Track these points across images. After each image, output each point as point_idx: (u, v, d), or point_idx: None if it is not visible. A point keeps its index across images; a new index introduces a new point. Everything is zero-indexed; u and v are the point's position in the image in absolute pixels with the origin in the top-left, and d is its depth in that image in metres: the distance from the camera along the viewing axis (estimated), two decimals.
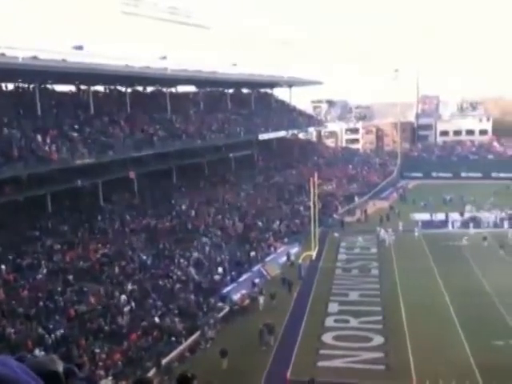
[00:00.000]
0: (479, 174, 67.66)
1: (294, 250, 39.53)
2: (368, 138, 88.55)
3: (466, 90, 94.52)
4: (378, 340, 24.33)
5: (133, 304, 25.74)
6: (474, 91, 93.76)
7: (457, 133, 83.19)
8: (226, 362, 22.26)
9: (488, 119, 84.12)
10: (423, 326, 25.43)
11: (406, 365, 21.85)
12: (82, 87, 41.45)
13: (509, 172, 66.55)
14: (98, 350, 21.60)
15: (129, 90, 45.27)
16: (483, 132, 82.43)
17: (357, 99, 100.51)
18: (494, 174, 67.06)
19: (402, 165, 72.63)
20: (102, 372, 20.28)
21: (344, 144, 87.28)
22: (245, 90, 64.14)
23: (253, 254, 36.31)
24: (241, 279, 32.69)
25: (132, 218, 35.79)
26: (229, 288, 31.09)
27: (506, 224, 44.11)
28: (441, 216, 47.23)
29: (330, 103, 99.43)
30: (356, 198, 56.03)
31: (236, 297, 30.34)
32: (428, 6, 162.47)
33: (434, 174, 70.36)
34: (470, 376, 20.59)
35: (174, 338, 24.44)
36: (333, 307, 28.81)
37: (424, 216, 48.07)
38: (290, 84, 68.94)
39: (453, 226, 44.52)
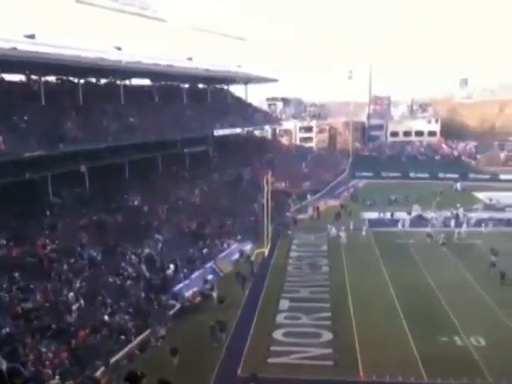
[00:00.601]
0: (427, 175, 70.02)
1: (247, 247, 39.76)
2: (321, 136, 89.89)
3: (417, 92, 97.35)
4: (327, 336, 24.84)
5: (81, 301, 25.24)
6: (424, 92, 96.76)
7: (406, 133, 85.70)
8: (177, 359, 22.21)
9: (437, 121, 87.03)
10: (370, 322, 26.12)
11: (354, 360, 22.43)
12: (33, 77, 40.17)
13: (455, 173, 69.18)
14: (44, 349, 21.10)
15: (81, 81, 44.20)
16: (432, 133, 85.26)
17: (311, 97, 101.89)
18: (440, 175, 69.47)
19: (353, 164, 74.20)
20: (49, 371, 19.82)
21: (298, 142, 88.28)
22: (201, 86, 63.81)
23: (205, 250, 36.29)
24: (193, 276, 32.63)
25: (82, 213, 35.01)
26: (181, 285, 30.98)
27: (452, 223, 45.80)
28: (388, 215, 48.66)
29: (285, 101, 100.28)
30: (308, 196, 56.83)
31: (188, 294, 30.27)
32: (383, 6, 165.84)
33: (383, 174, 72.24)
34: (414, 371, 21.33)
35: (123, 337, 24.15)
36: (284, 304, 29.18)
37: (373, 215, 49.41)
38: (246, 81, 69.05)
39: (403, 225, 45.80)
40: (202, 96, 61.11)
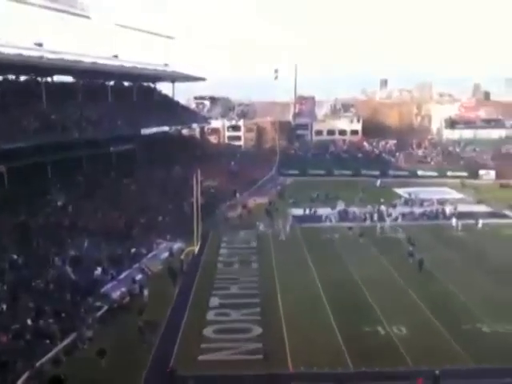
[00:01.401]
0: (350, 172, 72.63)
1: (177, 245, 39.55)
2: (249, 135, 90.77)
3: (339, 92, 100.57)
4: (257, 331, 25.27)
5: (3, 306, 24.22)
6: (347, 93, 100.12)
7: (330, 132, 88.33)
8: (105, 361, 21.83)
9: (358, 120, 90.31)
10: (298, 315, 26.86)
11: (283, 353, 22.98)
12: None
13: (376, 170, 72.22)
14: None
15: (0, 78, 42.19)
16: (354, 132, 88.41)
17: (239, 97, 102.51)
18: (363, 172, 72.22)
19: (280, 162, 75.56)
20: None
21: (226, 141, 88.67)
22: (126, 83, 62.58)
23: (134, 250, 35.74)
24: (121, 277, 32.03)
25: (2, 215, 33.45)
26: (108, 286, 30.36)
27: (375, 217, 47.86)
28: (322, 211, 49.85)
29: (213, 100, 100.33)
30: (237, 194, 57.30)
31: (115, 295, 29.71)
32: (308, 7, 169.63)
33: (309, 172, 74.14)
34: (341, 361, 22.16)
35: (48, 341, 23.39)
36: (214, 301, 29.34)
37: (299, 211, 50.68)
38: (173, 79, 68.50)
39: (330, 221, 47.17)
40: (128, 94, 59.97)
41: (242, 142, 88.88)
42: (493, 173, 70.56)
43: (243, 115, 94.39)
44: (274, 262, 36.20)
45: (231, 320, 26.62)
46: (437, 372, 20.03)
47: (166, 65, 63.07)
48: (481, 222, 45.01)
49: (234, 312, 27.50)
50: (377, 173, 71.27)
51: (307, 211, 50.65)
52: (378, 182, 66.12)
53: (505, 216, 49.24)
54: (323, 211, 49.75)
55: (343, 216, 48.82)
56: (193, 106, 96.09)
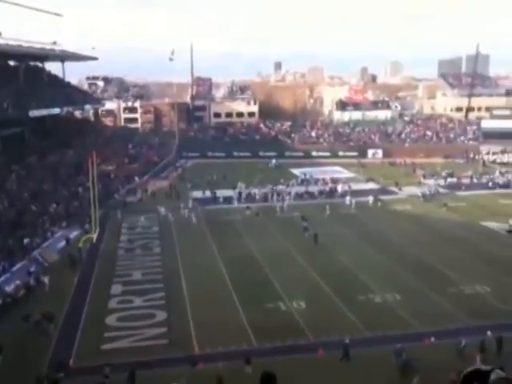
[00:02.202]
0: (248, 154, 73.80)
1: (74, 233, 38.12)
2: (146, 117, 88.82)
3: (237, 74, 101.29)
4: (162, 316, 25.27)
5: None
6: (243, 75, 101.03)
7: (228, 115, 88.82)
8: (1, 358, 20.76)
9: (255, 102, 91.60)
10: (202, 297, 27.20)
11: (188, 336, 23.24)
12: None
13: (273, 151, 74.03)
14: None
15: None
16: (251, 114, 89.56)
17: (134, 77, 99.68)
18: (261, 154, 73.68)
19: (180, 145, 74.92)
20: None
21: (123, 123, 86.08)
22: (12, 63, 58.35)
23: (27, 240, 33.93)
24: (14, 269, 30.36)
25: None
26: (1, 279, 28.68)
27: (274, 198, 49.27)
28: (222, 193, 50.28)
29: (107, 81, 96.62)
30: (136, 178, 56.14)
31: (9, 288, 28.16)
32: None
33: (209, 154, 74.34)
34: (245, 338, 22.83)
35: None
36: (116, 288, 28.83)
37: (200, 194, 50.85)
38: (63, 58, 64.97)
39: (230, 202, 47.80)
40: (14, 74, 56.03)
41: (139, 125, 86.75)
42: (380, 152, 75.14)
43: (139, 96, 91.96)
44: (177, 246, 36.20)
45: (135, 307, 26.35)
46: (347, 341, 21.32)
47: (54, 43, 59.58)
48: (371, 198, 48.00)
49: (137, 298, 27.22)
50: (274, 154, 73.17)
51: (207, 193, 50.91)
52: (273, 162, 67.84)
53: (392, 192, 52.84)
54: (223, 193, 50.30)
55: (243, 197, 49.69)
56: (85, 86, 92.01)
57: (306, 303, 26.36)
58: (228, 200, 48.57)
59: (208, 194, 50.89)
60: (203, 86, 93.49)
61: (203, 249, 35.42)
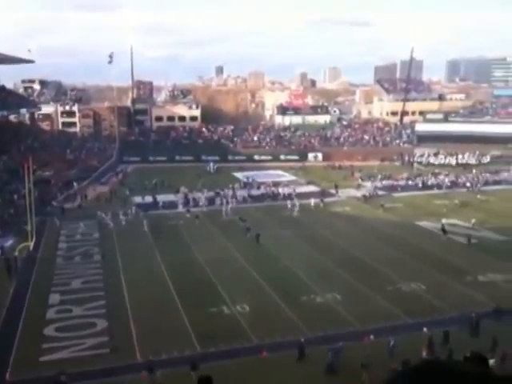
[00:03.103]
0: (191, 158, 73.53)
1: (9, 242, 36.66)
2: (85, 121, 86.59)
3: (178, 78, 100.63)
4: (102, 324, 24.75)
5: None
6: (185, 79, 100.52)
7: (170, 118, 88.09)
8: None
9: (197, 106, 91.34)
10: (145, 304, 26.80)
11: (130, 343, 22.87)
12: None
13: (216, 155, 74.16)
14: None
15: None
16: (193, 118, 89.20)
17: (72, 80, 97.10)
18: (203, 158, 73.58)
19: (120, 149, 73.64)
20: None
21: (60, 127, 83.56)
22: None
23: None
24: None
25: None
26: None
27: (217, 201, 49.36)
28: (165, 198, 49.80)
29: (43, 84, 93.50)
30: (75, 184, 54.67)
31: None
32: None
33: (151, 158, 73.48)
34: (189, 344, 22.70)
35: None
36: (54, 298, 27.95)
37: (143, 199, 50.16)
38: None
39: (173, 207, 47.27)
40: None
41: (77, 129, 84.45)
42: (320, 155, 76.75)
43: (77, 100, 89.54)
44: (118, 252, 35.54)
45: (74, 316, 25.65)
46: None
47: None
48: (312, 200, 48.95)
49: (76, 307, 26.53)
50: (217, 158, 73.32)
51: (149, 198, 50.27)
52: (211, 166, 67.82)
53: (332, 194, 54.09)
54: (165, 198, 49.86)
55: (186, 201, 49.41)
56: (21, 90, 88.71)
57: (250, 306, 26.54)
58: (170, 205, 48.15)
59: (149, 199, 50.24)
60: (144, 90, 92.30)
61: (145, 255, 34.97)
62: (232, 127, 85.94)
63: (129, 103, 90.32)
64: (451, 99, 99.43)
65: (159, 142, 78.46)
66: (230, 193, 52.36)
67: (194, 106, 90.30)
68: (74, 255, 35.52)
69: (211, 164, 68.58)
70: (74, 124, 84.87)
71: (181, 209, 47.28)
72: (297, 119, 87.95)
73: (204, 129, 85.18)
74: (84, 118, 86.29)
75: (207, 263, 32.96)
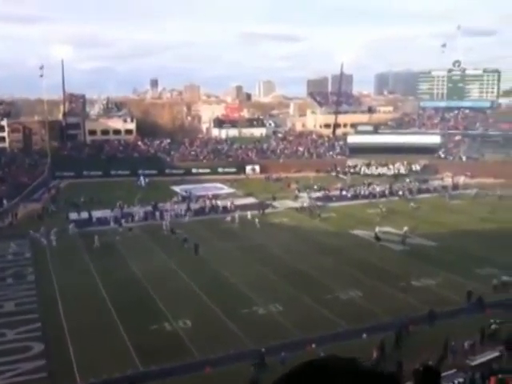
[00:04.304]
0: (127, 172, 72.26)
1: None
2: (15, 136, 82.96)
3: (110, 90, 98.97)
4: (39, 347, 23.81)
5: None
6: (119, 92, 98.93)
7: (104, 132, 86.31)
8: None
9: (132, 120, 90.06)
10: (83, 324, 26.03)
11: (69, 366, 22.12)
12: None
13: (153, 169, 73.38)
14: None
15: None
16: (128, 132, 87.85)
17: None
18: (140, 171, 72.47)
19: (52, 164, 71.26)
20: None
21: None
22: None
23: None
24: None
25: None
26: None
27: (157, 215, 48.96)
28: (100, 213, 48.65)
29: None
30: (5, 202, 52.31)
31: None
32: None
33: (85, 173, 71.64)
34: (130, 363, 22.27)
35: None
36: None
37: (78, 215, 48.77)
38: None
39: (118, 223, 46.13)
40: None
41: (6, 144, 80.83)
42: (258, 167, 77.60)
43: (6, 114, 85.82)
44: (53, 272, 34.34)
45: (7, 340, 24.54)
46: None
47: None
48: (251, 212, 49.41)
49: (10, 331, 25.40)
50: (154, 172, 72.57)
51: (85, 214, 48.92)
52: (142, 181, 66.97)
53: (271, 206, 54.77)
54: (100, 213, 48.74)
55: (122, 216, 48.44)
56: None
57: (192, 321, 26.39)
58: (106, 220, 47.09)
59: (85, 215, 48.91)
60: (76, 103, 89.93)
61: (81, 273, 33.98)
62: (168, 140, 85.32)
63: (60, 117, 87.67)
64: (380, 111, 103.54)
65: (93, 156, 76.64)
66: (169, 207, 51.90)
67: (128, 120, 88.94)
68: (6, 276, 33.97)
69: (141, 178, 67.55)
70: (2, 139, 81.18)
71: (117, 224, 46.21)
72: (233, 132, 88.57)
73: (140, 142, 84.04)
74: (13, 133, 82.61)
75: (146, 279, 32.49)
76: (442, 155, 79.47)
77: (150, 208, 50.94)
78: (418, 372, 3.42)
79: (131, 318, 26.57)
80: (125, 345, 24.01)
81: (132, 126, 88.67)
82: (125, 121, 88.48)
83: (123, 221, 46.75)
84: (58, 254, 38.13)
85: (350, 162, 78.31)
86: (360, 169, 76.39)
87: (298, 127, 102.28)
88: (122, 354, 23.10)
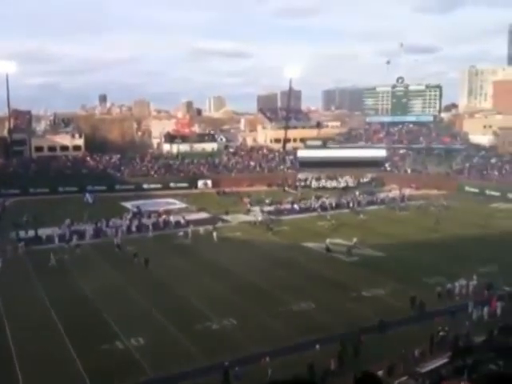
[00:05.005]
0: (76, 188, 70.64)
1: None
2: None
3: (58, 106, 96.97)
4: None
5: None
6: (66, 107, 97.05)
7: (51, 148, 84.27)
8: None
9: (80, 135, 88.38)
10: (31, 347, 25.15)
11: None
12: None
13: (103, 185, 72.11)
14: None
15: None
16: (77, 148, 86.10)
17: None
18: (89, 188, 71.01)
19: None
20: None
21: None
22: None
23: None
24: None
25: None
26: None
27: (107, 231, 48.26)
28: (48, 231, 47.19)
29: None
30: None
31: None
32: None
33: (31, 190, 69.59)
34: None
35: None
36: None
37: (26, 233, 47.15)
38: None
39: (66, 241, 44.75)
40: None
41: None
42: (210, 182, 77.62)
43: None
44: None
45: None
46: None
47: None
48: (204, 227, 49.30)
49: None
50: (104, 188, 71.36)
51: (32, 233, 47.38)
52: (88, 198, 65.71)
53: (223, 220, 54.87)
54: (49, 231, 47.36)
55: (71, 233, 47.18)
56: None
57: (144, 338, 25.99)
58: (53, 238, 45.74)
59: (32, 233, 47.37)
60: (22, 119, 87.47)
61: (29, 294, 32.88)
62: (118, 156, 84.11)
63: (5, 133, 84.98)
64: (328, 126, 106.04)
65: (40, 172, 74.54)
66: (119, 223, 51.07)
67: (77, 135, 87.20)
68: None
69: (87, 195, 66.19)
70: None
71: (63, 242, 44.90)
72: (184, 147, 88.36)
73: (88, 158, 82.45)
74: None
75: (97, 297, 31.80)
76: (388, 168, 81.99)
77: (99, 225, 49.96)
78: (359, 380, 3.69)
79: (81, 338, 25.92)
80: (75, 366, 23.38)
81: (80, 141, 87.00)
82: (73, 136, 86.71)
83: (75, 238, 45.53)
84: (4, 275, 36.68)
85: (300, 176, 79.52)
86: (310, 182, 77.68)
87: (249, 142, 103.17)
88: (73, 377, 22.48)
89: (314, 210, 59.94)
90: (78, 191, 69.43)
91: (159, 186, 75.09)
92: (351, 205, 62.14)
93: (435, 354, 23.28)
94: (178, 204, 64.31)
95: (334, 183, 77.05)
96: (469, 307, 28.69)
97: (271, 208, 60.49)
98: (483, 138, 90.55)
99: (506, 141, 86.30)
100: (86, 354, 24.37)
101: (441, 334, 24.94)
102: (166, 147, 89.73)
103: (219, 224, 52.58)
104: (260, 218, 54.34)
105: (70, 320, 28.36)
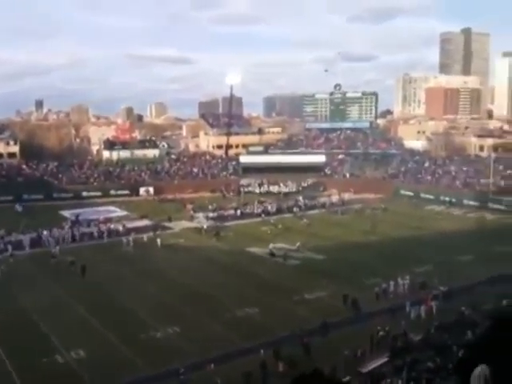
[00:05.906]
0: (10, 197, 67.78)
1: None
2: None
3: None
4: None
5: None
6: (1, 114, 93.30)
7: None
8: None
9: (16, 142, 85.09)
10: None
11: None
12: None
13: (40, 193, 69.63)
14: None
15: None
16: (12, 155, 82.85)
17: None
18: (25, 196, 68.39)
19: None
20: None
21: None
22: None
23: None
24: None
25: None
26: None
27: (44, 241, 46.67)
28: None
29: None
30: None
31: None
32: None
33: None
34: None
35: None
36: None
37: None
38: None
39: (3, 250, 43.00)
40: None
41: None
42: (152, 189, 76.61)
43: None
44: None
45: None
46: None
47: None
48: (146, 235, 48.65)
49: None
50: (41, 196, 68.98)
51: None
52: (17, 207, 63.45)
53: (166, 227, 54.34)
54: None
55: (5, 244, 45.32)
56: None
57: (86, 351, 25.31)
58: None
59: None
60: None
61: None
62: (56, 163, 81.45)
63: None
64: (269, 133, 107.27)
65: None
66: (56, 232, 49.44)
67: (11, 142, 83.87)
68: None
69: (17, 205, 63.64)
70: None
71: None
72: (125, 154, 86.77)
73: (24, 166, 79.41)
74: None
75: (34, 310, 30.68)
76: (328, 173, 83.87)
77: (36, 234, 48.27)
78: (296, 380, 3.90)
79: (18, 353, 24.92)
80: (13, 382, 22.50)
81: (15, 148, 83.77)
82: (7, 144, 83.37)
83: (10, 248, 43.75)
84: None
85: (243, 182, 79.95)
86: (253, 187, 78.23)
87: (192, 148, 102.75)
88: None
89: (258, 215, 60.45)
90: (13, 200, 66.68)
91: (99, 193, 73.35)
92: (294, 209, 63.10)
93: (375, 353, 24.03)
94: (119, 212, 63.10)
95: (276, 188, 77.95)
96: (406, 307, 29.81)
97: (215, 214, 60.47)
98: (417, 143, 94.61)
99: (438, 145, 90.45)
100: (23, 368, 23.43)
101: (381, 333, 25.77)
102: (106, 154, 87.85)
103: (162, 231, 52.03)
104: (205, 226, 54.11)
105: (4, 334, 27.21)
